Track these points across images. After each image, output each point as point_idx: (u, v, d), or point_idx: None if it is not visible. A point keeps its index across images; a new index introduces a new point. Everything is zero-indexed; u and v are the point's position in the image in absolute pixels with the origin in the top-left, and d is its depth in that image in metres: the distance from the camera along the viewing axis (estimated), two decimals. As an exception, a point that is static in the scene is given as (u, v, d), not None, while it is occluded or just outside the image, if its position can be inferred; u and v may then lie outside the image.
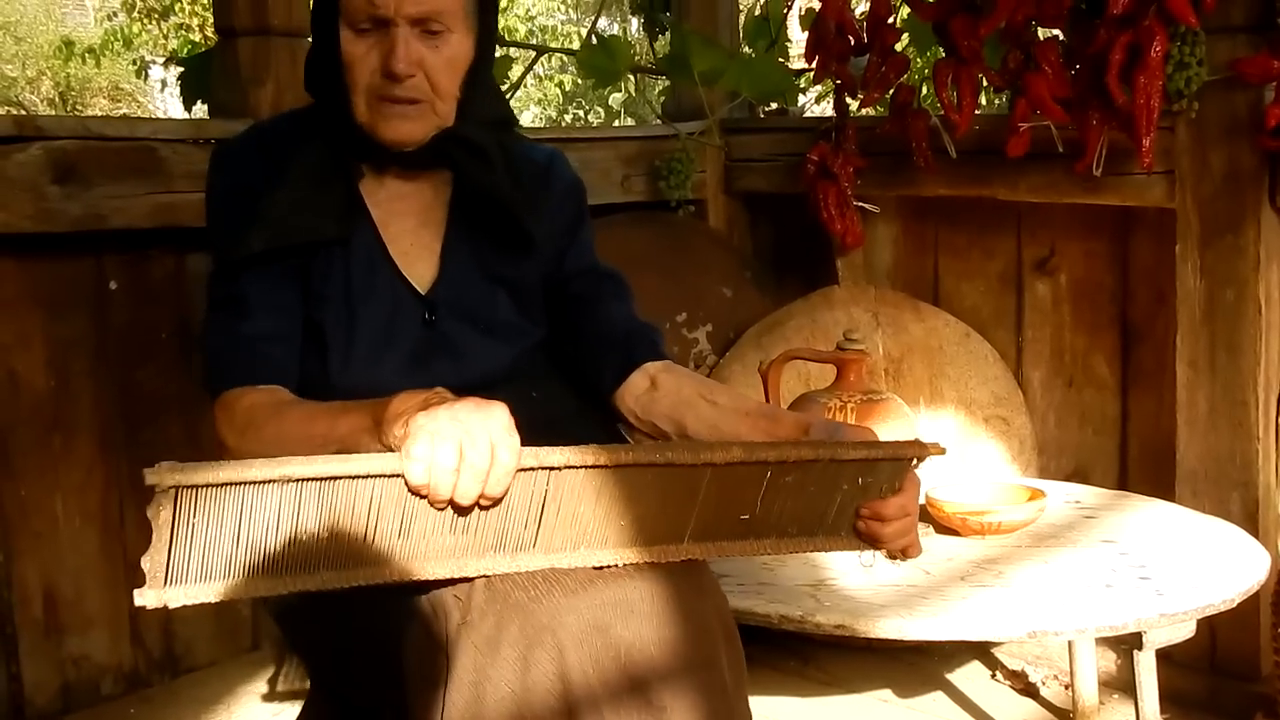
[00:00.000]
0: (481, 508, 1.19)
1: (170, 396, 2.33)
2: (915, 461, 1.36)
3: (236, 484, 1.11)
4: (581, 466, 1.21)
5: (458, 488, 1.15)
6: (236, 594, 1.17)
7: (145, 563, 1.12)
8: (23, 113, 10.04)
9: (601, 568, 1.27)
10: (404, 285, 1.53)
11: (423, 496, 1.17)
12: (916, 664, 2.55)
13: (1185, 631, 1.86)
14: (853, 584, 1.82)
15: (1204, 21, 2.13)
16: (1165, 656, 2.03)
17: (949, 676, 2.52)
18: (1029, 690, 2.47)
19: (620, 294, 1.66)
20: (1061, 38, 2.38)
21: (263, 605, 1.57)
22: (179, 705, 2.30)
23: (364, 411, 1.27)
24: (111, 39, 8.82)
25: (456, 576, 1.24)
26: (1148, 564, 1.88)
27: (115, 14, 9.21)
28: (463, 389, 1.49)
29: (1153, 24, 2.11)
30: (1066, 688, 2.39)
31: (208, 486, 1.10)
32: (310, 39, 1.53)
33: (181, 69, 2.96)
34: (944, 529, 2.04)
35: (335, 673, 1.56)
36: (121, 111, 11.53)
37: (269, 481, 1.12)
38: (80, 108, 11.44)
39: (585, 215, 1.69)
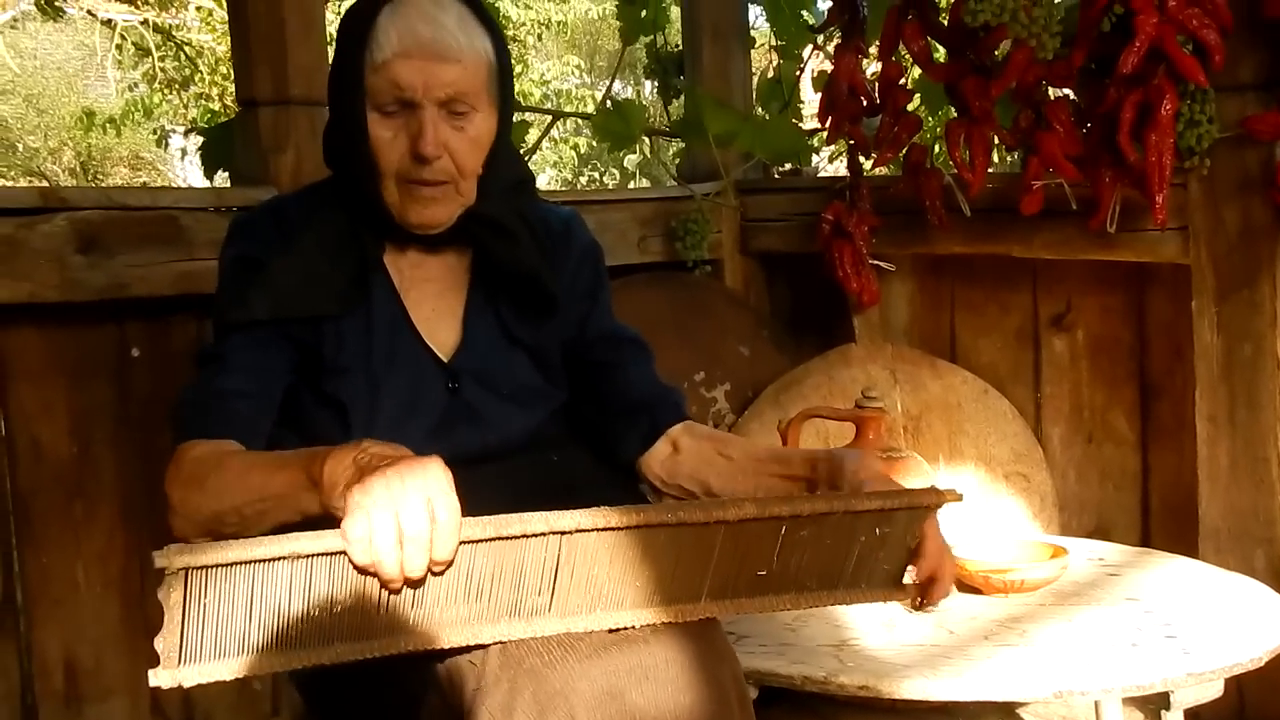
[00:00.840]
0: (434, 574, 1.17)
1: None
2: (932, 509, 1.36)
3: (245, 563, 1.11)
4: (592, 529, 1.20)
5: (405, 563, 1.13)
6: (252, 670, 1.16)
7: (159, 643, 1.12)
8: (46, 184, 10.17)
9: (617, 630, 1.27)
10: (427, 353, 1.53)
11: (373, 574, 1.15)
12: (941, 725, 2.52)
13: (1213, 691, 1.84)
14: (876, 644, 1.80)
15: (1213, 80, 2.15)
16: (1193, 716, 2.00)
17: (974, 737, 2.49)
18: (1056, 751, 2.44)
19: (640, 358, 1.67)
20: (1072, 96, 2.40)
21: (286, 674, 1.56)
22: (199, 773, 2.29)
23: (298, 467, 1.26)
24: (132, 109, 8.95)
25: (472, 644, 1.23)
26: (1173, 622, 1.86)
27: (136, 84, 9.36)
28: (485, 455, 1.50)
29: (1162, 83, 2.13)
30: (1094, 748, 2.36)
31: (216, 567, 1.10)
32: (329, 119, 1.53)
33: (202, 138, 3.01)
34: (966, 587, 2.02)
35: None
36: (142, 180, 11.69)
37: (278, 559, 1.12)
38: (101, 177, 11.59)
39: (603, 278, 1.70)
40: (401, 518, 1.12)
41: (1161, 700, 1.82)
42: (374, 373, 1.49)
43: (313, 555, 1.13)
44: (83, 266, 2.09)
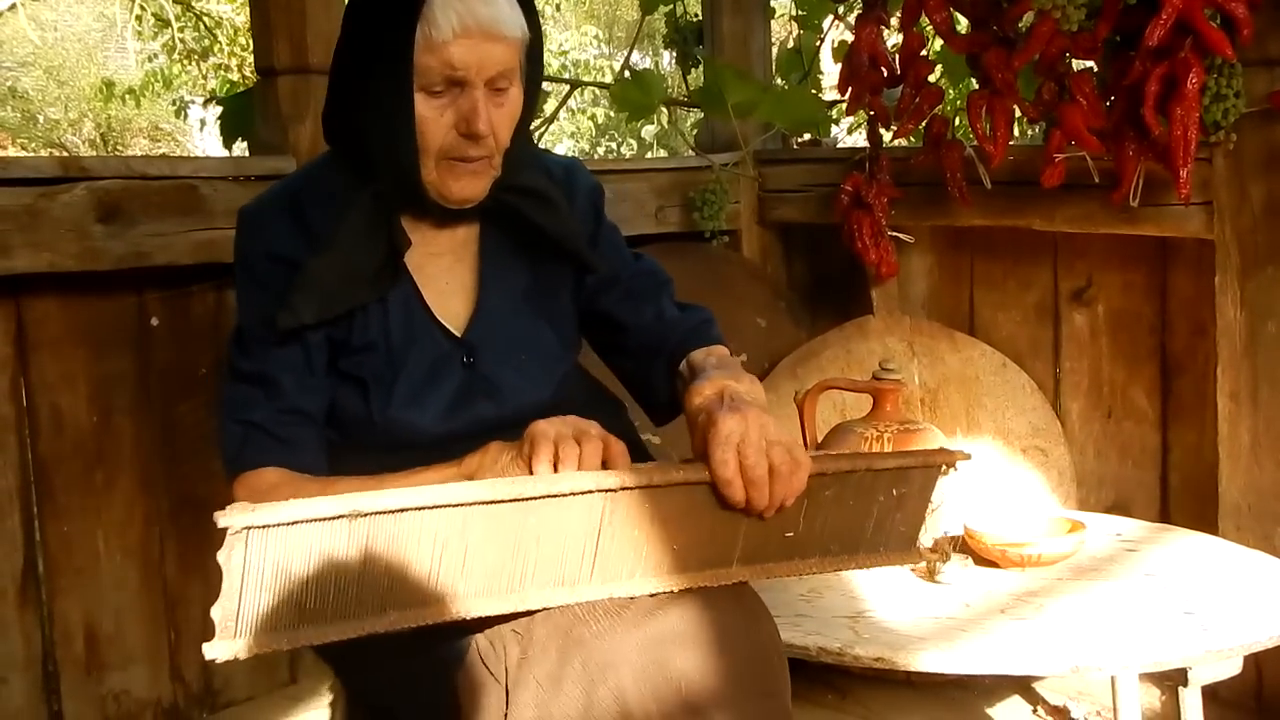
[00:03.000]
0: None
1: (211, 432, 2.34)
2: (945, 469, 1.39)
3: (306, 521, 1.10)
4: (636, 487, 1.22)
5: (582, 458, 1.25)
6: (308, 640, 1.16)
7: (215, 612, 1.11)
8: (67, 154, 10.20)
9: (655, 595, 1.28)
10: (440, 331, 1.53)
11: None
12: (956, 698, 2.52)
13: (1231, 668, 1.83)
14: (892, 616, 1.80)
15: (1240, 54, 2.12)
16: (1211, 694, 2.00)
17: (989, 711, 2.49)
18: (1071, 726, 2.44)
19: (647, 292, 1.65)
20: (1096, 69, 2.37)
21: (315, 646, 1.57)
22: (217, 740, 2.31)
23: (447, 470, 1.32)
24: (152, 80, 8.95)
25: (519, 610, 1.24)
26: (1192, 599, 1.86)
27: (155, 56, 9.34)
28: (502, 424, 1.50)
29: (1189, 56, 2.11)
30: (1109, 724, 2.36)
31: (279, 526, 1.09)
32: (340, 93, 1.51)
33: (221, 108, 3.01)
34: (983, 561, 2.02)
35: (387, 712, 1.56)
36: (161, 151, 11.72)
37: (339, 517, 1.11)
38: (121, 148, 11.62)
39: (603, 220, 1.68)
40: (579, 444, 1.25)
41: (1179, 677, 1.82)
42: (393, 350, 1.49)
43: (373, 513, 1.13)
44: (103, 236, 2.10)
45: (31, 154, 10.59)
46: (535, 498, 1.19)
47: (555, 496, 1.20)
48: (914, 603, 1.87)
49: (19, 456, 2.15)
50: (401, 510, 1.14)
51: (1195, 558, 2.07)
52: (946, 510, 2.08)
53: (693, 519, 1.27)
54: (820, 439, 2.12)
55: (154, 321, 2.31)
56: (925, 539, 1.46)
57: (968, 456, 1.38)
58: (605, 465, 1.25)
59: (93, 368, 2.24)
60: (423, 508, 1.15)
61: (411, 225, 1.53)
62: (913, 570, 1.93)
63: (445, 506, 1.16)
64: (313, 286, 1.44)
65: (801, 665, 1.89)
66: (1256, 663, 2.18)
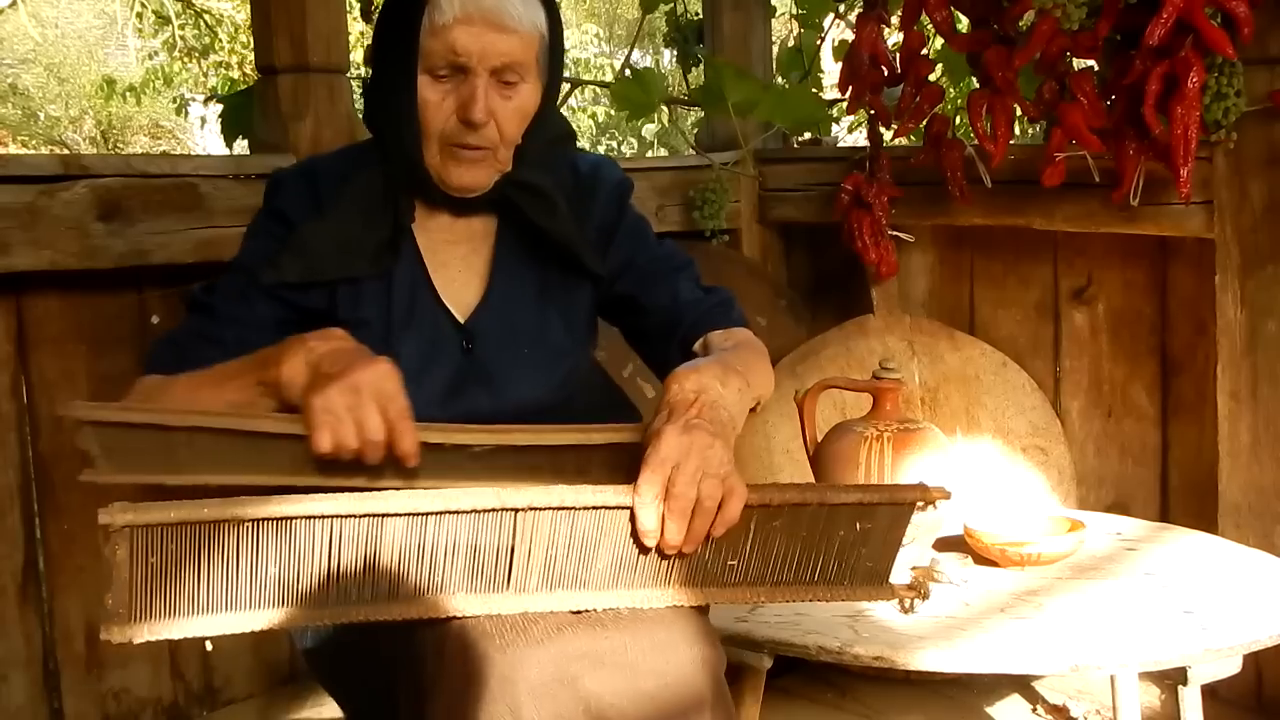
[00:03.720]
0: (405, 466, 1.25)
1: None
2: (921, 506, 1.30)
3: (189, 524, 1.11)
4: (547, 509, 1.18)
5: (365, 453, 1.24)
6: (203, 631, 1.17)
7: (108, 600, 1.12)
8: (68, 152, 10.19)
9: (580, 613, 1.24)
10: (444, 314, 1.54)
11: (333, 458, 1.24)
12: (956, 697, 2.52)
13: (1231, 667, 1.83)
14: (891, 615, 1.80)
15: (1241, 52, 2.12)
16: (1210, 693, 2.00)
17: (989, 710, 2.49)
18: (1070, 725, 2.45)
19: (663, 275, 1.64)
20: (1096, 68, 2.37)
21: (295, 641, 1.57)
22: (217, 738, 2.32)
23: (249, 375, 1.33)
24: (152, 77, 8.95)
25: (429, 616, 1.22)
26: (1191, 598, 1.86)
27: (156, 53, 9.35)
28: (497, 418, 1.51)
29: (1189, 55, 2.11)
30: (1109, 723, 2.36)
31: (160, 525, 1.10)
32: (370, 80, 1.55)
33: (222, 106, 3.01)
34: (983, 560, 2.02)
35: (359, 711, 1.57)
36: (161, 148, 11.72)
37: (223, 521, 1.12)
38: (121, 145, 11.62)
39: (627, 212, 1.68)
40: (365, 426, 1.22)
41: (1179, 676, 1.82)
42: (389, 331, 1.50)
43: (258, 520, 1.13)
44: (103, 234, 2.10)
45: (32, 151, 10.58)
46: (431, 513, 1.17)
47: (454, 513, 1.17)
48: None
49: (19, 454, 2.15)
50: (286, 520, 1.14)
51: (1195, 556, 2.07)
52: (941, 519, 2.08)
53: (613, 542, 1.23)
54: (820, 438, 2.12)
55: (154, 319, 2.31)
56: (904, 574, 1.36)
57: (946, 495, 1.30)
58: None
59: (93, 366, 2.24)
60: (311, 517, 1.15)
61: (429, 211, 1.55)
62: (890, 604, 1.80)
63: (333, 517, 1.15)
64: (303, 249, 1.48)
65: (801, 663, 1.90)
66: (1256, 662, 2.19)
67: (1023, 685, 2.56)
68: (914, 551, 2.02)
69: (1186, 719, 1.88)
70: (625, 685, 1.20)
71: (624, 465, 1.28)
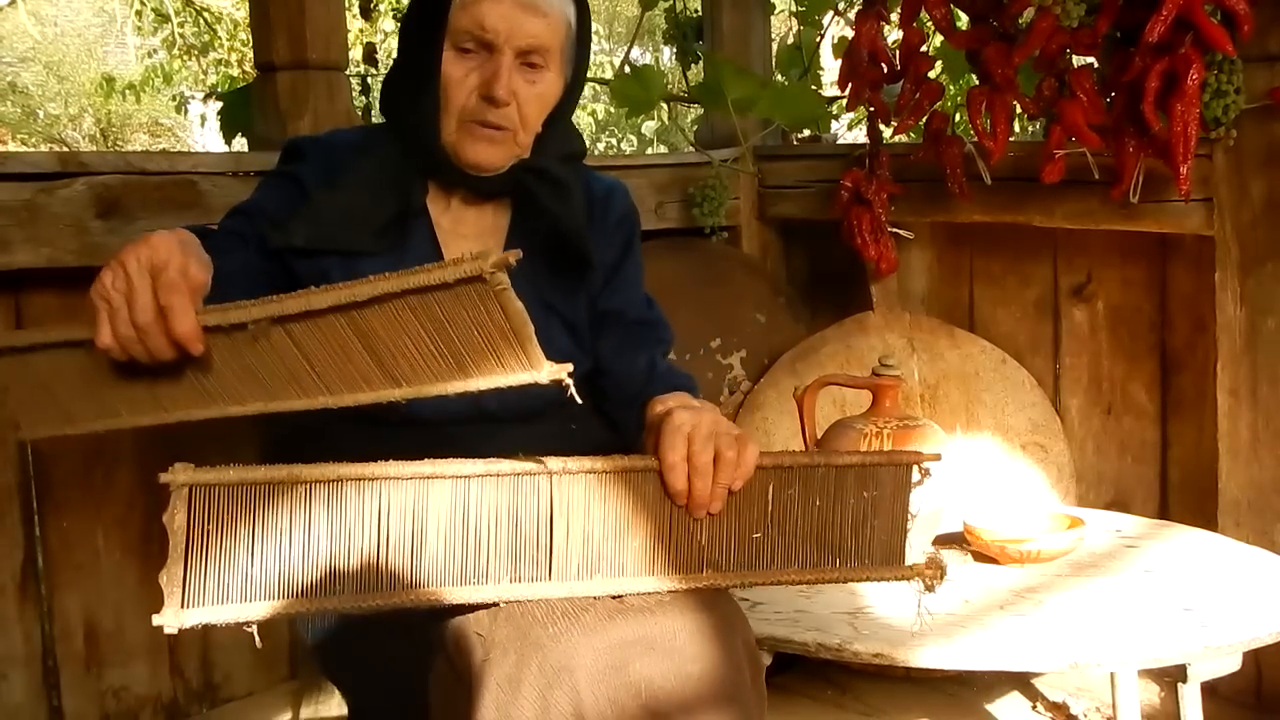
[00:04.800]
0: (189, 354, 1.18)
1: (210, 427, 2.34)
2: (920, 474, 1.38)
3: (247, 483, 1.14)
4: (580, 472, 1.25)
5: (150, 351, 1.17)
6: (256, 615, 1.17)
7: (163, 578, 1.13)
8: (66, 149, 10.19)
9: (620, 598, 1.27)
10: None
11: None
12: (956, 694, 2.52)
13: (1230, 664, 1.83)
14: (891, 612, 1.80)
15: (1241, 50, 2.12)
16: (1210, 690, 2.00)
17: (989, 707, 2.49)
18: (1070, 722, 2.45)
19: (644, 342, 1.66)
20: (1096, 65, 2.37)
21: (301, 635, 1.57)
22: (217, 736, 2.31)
23: None
24: (152, 75, 8.94)
25: (474, 601, 1.24)
26: (1191, 595, 1.86)
27: (155, 51, 9.34)
28: (504, 414, 1.51)
29: (1189, 52, 2.10)
30: (1109, 720, 2.37)
31: (217, 486, 1.13)
32: (395, 60, 1.56)
33: (221, 103, 3.01)
34: (982, 557, 2.02)
35: (368, 704, 1.56)
36: (161, 146, 11.72)
37: (276, 482, 1.14)
38: (121, 143, 11.61)
39: (633, 251, 1.70)
40: (134, 306, 1.15)
41: (1178, 673, 1.82)
42: None
43: (310, 482, 1.16)
44: (102, 231, 2.09)
45: (31, 149, 10.58)
46: (474, 476, 1.21)
47: (494, 475, 1.22)
48: (913, 599, 1.86)
49: (18, 453, 2.14)
50: (340, 480, 1.17)
51: (1194, 554, 2.07)
52: (940, 515, 2.08)
53: (646, 513, 1.28)
54: (820, 435, 2.12)
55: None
56: (917, 555, 1.42)
57: (937, 458, 1.38)
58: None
59: (92, 363, 2.23)
60: (362, 479, 1.17)
61: (441, 203, 1.56)
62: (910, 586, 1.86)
63: (385, 479, 1.18)
64: (312, 217, 1.49)
65: (801, 661, 1.90)
66: (1256, 659, 2.18)
67: (1022, 682, 2.56)
68: (915, 545, 2.02)
69: (1186, 716, 1.89)
70: (674, 669, 1.23)
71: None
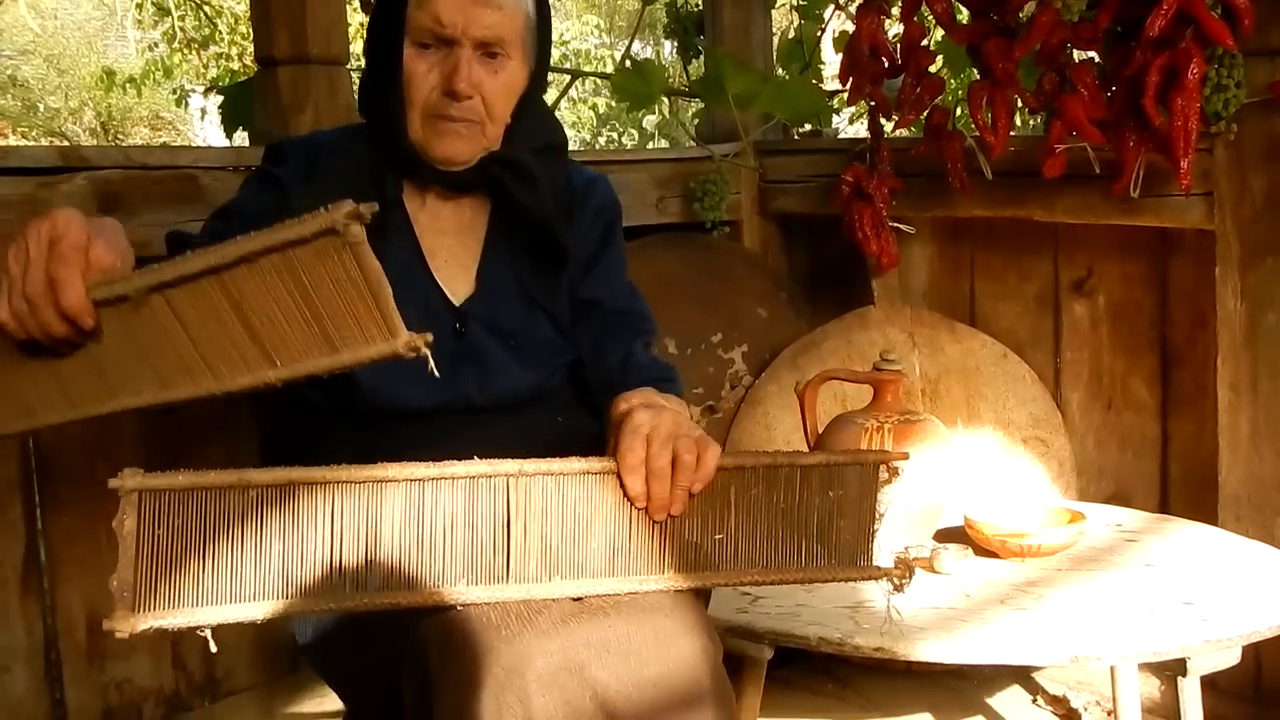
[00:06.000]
0: (81, 329, 1.16)
1: (213, 422, 2.36)
2: (888, 474, 1.36)
3: (195, 489, 1.13)
4: (537, 474, 1.24)
5: (44, 326, 1.16)
6: (207, 620, 1.16)
7: (113, 583, 1.12)
8: (67, 143, 10.19)
9: (580, 600, 1.26)
10: (438, 294, 1.55)
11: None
12: (956, 688, 2.53)
13: (1230, 658, 1.84)
14: (886, 613, 1.80)
15: (1241, 44, 2.12)
16: (1210, 684, 2.00)
17: (989, 701, 2.50)
18: (1070, 716, 2.45)
19: (623, 332, 1.65)
20: (1097, 59, 2.37)
21: (293, 632, 1.57)
22: (219, 729, 2.32)
23: None
24: (152, 69, 8.94)
25: (432, 604, 1.23)
26: (1191, 589, 1.86)
27: (156, 44, 9.34)
28: (489, 406, 1.51)
29: (1190, 46, 2.10)
30: (1109, 714, 2.37)
31: (167, 491, 1.12)
32: (364, 59, 1.57)
33: (222, 97, 3.00)
34: (983, 551, 2.02)
35: (359, 704, 1.57)
36: (161, 140, 11.71)
37: (228, 487, 1.14)
38: (121, 137, 11.61)
39: (612, 241, 1.69)
40: (26, 279, 1.14)
41: (1178, 667, 1.82)
42: None
43: (261, 486, 1.15)
44: (103, 226, 2.09)
45: (32, 143, 10.58)
46: (428, 479, 1.21)
47: (449, 479, 1.21)
48: (914, 593, 1.86)
49: (20, 447, 2.15)
50: (291, 484, 1.16)
51: (1195, 548, 2.08)
52: (942, 509, 2.08)
53: (605, 515, 1.27)
54: (821, 430, 2.13)
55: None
56: (887, 556, 1.41)
57: (905, 456, 1.36)
58: None
59: (94, 357, 2.24)
60: (314, 483, 1.17)
61: (418, 199, 1.56)
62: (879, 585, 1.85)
63: (335, 483, 1.18)
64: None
65: (802, 655, 1.90)
66: (1256, 653, 2.19)
67: (1023, 676, 2.57)
68: (915, 540, 2.03)
69: (1186, 710, 1.89)
70: (631, 673, 1.22)
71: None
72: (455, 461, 1.22)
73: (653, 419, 1.29)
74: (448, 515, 1.22)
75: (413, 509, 1.21)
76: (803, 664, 2.52)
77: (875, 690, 2.54)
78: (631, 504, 1.27)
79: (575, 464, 1.26)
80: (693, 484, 1.27)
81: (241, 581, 1.16)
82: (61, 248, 1.14)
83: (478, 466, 1.22)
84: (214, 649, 1.16)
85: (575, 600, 1.26)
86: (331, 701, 2.37)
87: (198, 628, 1.16)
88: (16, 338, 1.18)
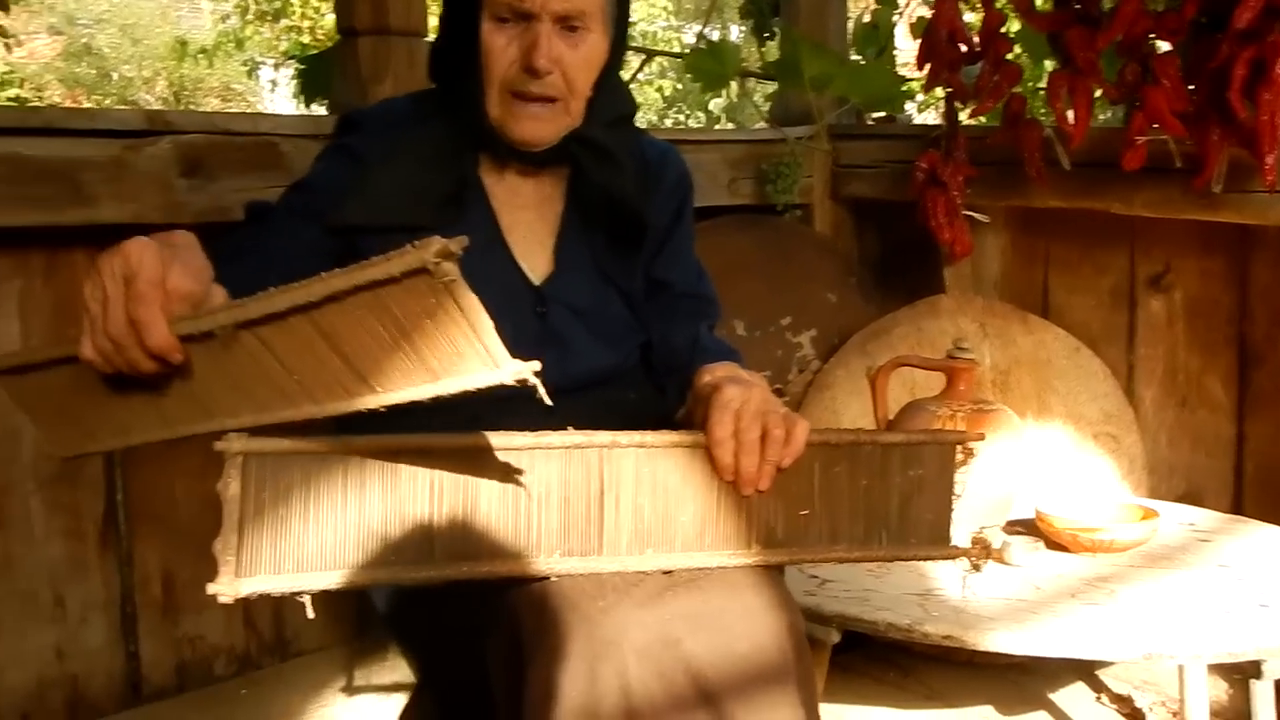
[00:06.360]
0: (168, 362, 1.11)
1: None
2: (964, 455, 1.37)
3: (302, 454, 1.14)
4: (629, 446, 1.24)
5: (130, 363, 1.11)
6: (310, 585, 1.17)
7: (217, 546, 1.12)
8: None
9: (670, 573, 1.27)
10: (518, 274, 1.54)
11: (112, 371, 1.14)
12: (1019, 682, 2.51)
13: (1306, 662, 1.81)
14: (961, 595, 1.80)
15: (1334, 37, 2.07)
16: (1280, 687, 1.98)
17: (1052, 696, 2.47)
18: (1135, 715, 2.42)
19: (691, 314, 1.65)
20: (1180, 51, 2.33)
21: (371, 598, 1.59)
22: (287, 688, 2.35)
23: None
24: (224, 40, 9.05)
25: (525, 575, 1.24)
26: (1266, 590, 1.83)
27: (228, 16, 9.45)
28: (567, 386, 1.51)
29: (1278, 39, 2.06)
30: (1175, 715, 2.34)
31: (271, 455, 1.12)
32: (438, 31, 1.54)
33: (302, 67, 3.04)
34: (1053, 544, 2.01)
35: (434, 670, 1.58)
36: (232, 110, 11.83)
37: (331, 453, 1.15)
38: (193, 106, 11.76)
39: (685, 217, 1.68)
40: (108, 319, 1.09)
41: (1252, 669, 1.80)
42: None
43: (366, 452, 1.16)
44: (185, 189, 2.12)
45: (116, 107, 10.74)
46: (524, 449, 1.22)
47: (544, 449, 1.22)
48: (983, 583, 1.86)
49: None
50: (397, 451, 1.17)
51: (1270, 550, 2.05)
52: (1011, 500, 2.07)
53: (695, 488, 1.28)
54: (891, 417, 2.12)
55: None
56: (963, 537, 1.42)
57: (981, 437, 1.38)
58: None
59: (173, 318, 2.27)
60: (416, 450, 1.18)
61: (495, 174, 1.55)
62: (958, 567, 1.85)
63: (438, 451, 1.18)
64: (369, 194, 1.47)
65: (864, 641, 1.89)
66: (1327, 658, 2.15)
67: (1087, 673, 2.54)
68: (968, 526, 2.01)
69: (1258, 713, 1.86)
70: (723, 647, 1.22)
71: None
72: (551, 432, 1.23)
73: (742, 394, 1.29)
74: (543, 485, 1.23)
75: (509, 478, 1.22)
76: (866, 650, 2.51)
77: (937, 680, 2.53)
78: (719, 477, 1.28)
79: (666, 436, 1.27)
80: (782, 458, 1.28)
81: (342, 548, 1.17)
82: (139, 285, 1.08)
83: (573, 437, 1.23)
84: (310, 615, 1.16)
85: (665, 573, 1.27)
86: (399, 664, 2.40)
87: (298, 593, 1.16)
88: (104, 373, 1.16)
